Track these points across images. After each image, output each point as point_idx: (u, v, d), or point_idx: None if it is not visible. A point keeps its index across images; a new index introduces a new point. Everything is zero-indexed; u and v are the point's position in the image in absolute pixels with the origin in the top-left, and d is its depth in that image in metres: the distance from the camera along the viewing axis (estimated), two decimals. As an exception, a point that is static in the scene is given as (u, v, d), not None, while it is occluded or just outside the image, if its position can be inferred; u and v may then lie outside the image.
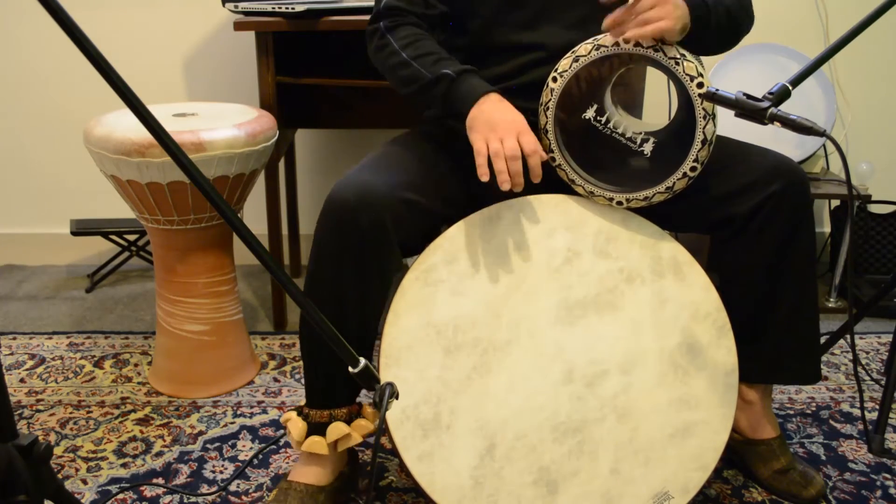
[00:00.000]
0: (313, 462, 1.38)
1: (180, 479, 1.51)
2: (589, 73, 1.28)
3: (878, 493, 1.50)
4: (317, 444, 1.34)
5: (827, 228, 2.52)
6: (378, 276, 1.27)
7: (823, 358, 2.00)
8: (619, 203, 1.31)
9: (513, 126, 1.24)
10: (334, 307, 1.26)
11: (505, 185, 1.21)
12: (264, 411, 1.74)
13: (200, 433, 1.65)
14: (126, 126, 1.58)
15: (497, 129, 1.24)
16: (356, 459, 1.49)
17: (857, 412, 1.77)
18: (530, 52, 1.38)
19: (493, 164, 1.22)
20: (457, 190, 1.36)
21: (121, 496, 1.46)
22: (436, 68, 1.31)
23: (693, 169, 1.26)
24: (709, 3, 1.25)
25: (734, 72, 2.22)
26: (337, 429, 1.33)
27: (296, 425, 1.35)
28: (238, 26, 1.88)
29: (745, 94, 1.15)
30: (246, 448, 1.61)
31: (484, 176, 1.22)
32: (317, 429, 1.35)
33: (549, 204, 1.33)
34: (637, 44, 1.23)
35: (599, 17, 1.29)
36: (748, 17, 1.35)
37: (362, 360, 0.94)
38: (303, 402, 1.40)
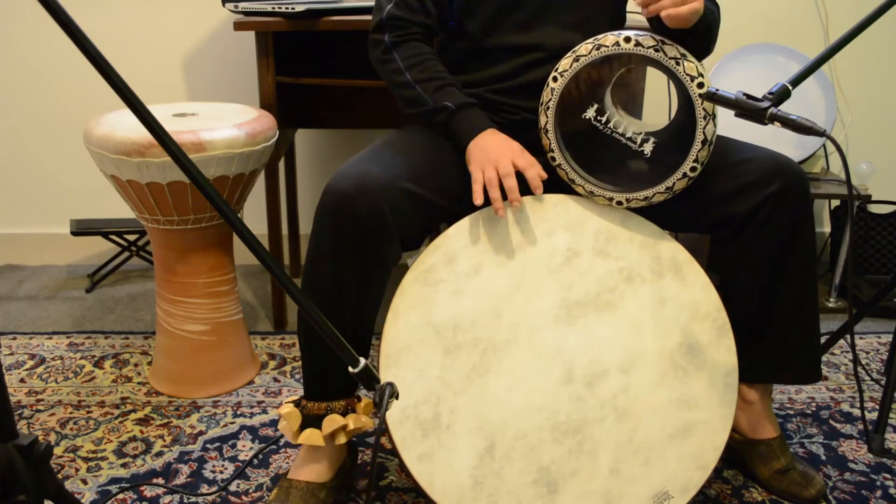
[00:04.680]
0: (312, 459, 1.38)
1: (180, 479, 1.51)
2: (589, 73, 1.28)
3: (878, 493, 1.50)
4: (313, 435, 1.34)
5: (827, 228, 2.52)
6: (377, 266, 1.26)
7: (823, 358, 2.00)
8: (619, 203, 1.31)
9: (507, 151, 1.30)
10: (332, 297, 1.25)
11: (500, 213, 1.27)
12: (264, 411, 1.74)
13: (200, 433, 1.65)
14: (126, 126, 1.58)
15: (491, 155, 1.30)
16: (355, 454, 1.49)
17: (857, 412, 1.77)
18: (529, 53, 1.39)
19: (488, 192, 1.28)
20: (457, 183, 1.36)
21: (121, 496, 1.46)
22: (438, 97, 1.36)
23: (693, 169, 1.26)
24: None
25: (734, 72, 2.22)
26: (333, 421, 1.33)
27: (291, 415, 1.35)
28: (238, 26, 1.88)
29: (745, 94, 1.15)
30: (246, 448, 1.61)
31: (477, 199, 1.28)
32: (313, 421, 1.35)
33: (549, 204, 1.33)
34: (638, 44, 1.23)
35: (597, 18, 1.29)
36: (713, 39, 1.37)
37: (362, 360, 0.94)
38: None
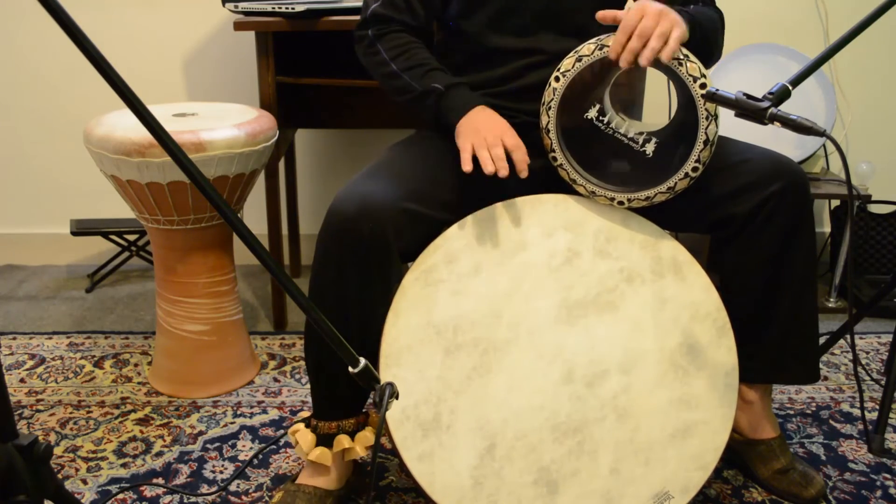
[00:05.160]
0: (322, 467, 1.38)
1: (180, 479, 1.51)
2: (591, 74, 1.28)
3: (878, 493, 1.50)
4: (323, 455, 1.35)
5: (827, 228, 2.52)
6: (380, 285, 1.27)
7: (823, 358, 2.00)
8: (621, 203, 1.31)
9: (496, 129, 1.30)
10: (337, 316, 1.26)
11: (489, 168, 1.24)
12: (264, 411, 1.74)
13: (200, 433, 1.65)
14: (126, 126, 1.58)
15: (480, 131, 1.30)
16: (362, 468, 1.50)
17: (857, 412, 1.77)
18: (529, 56, 1.39)
19: (477, 157, 1.26)
20: (458, 195, 1.35)
21: (121, 496, 1.45)
22: (425, 81, 1.36)
23: (695, 169, 1.26)
24: (693, 17, 1.27)
25: (734, 72, 2.22)
26: (343, 440, 1.35)
27: (304, 437, 1.36)
28: (238, 26, 1.88)
29: (745, 94, 1.15)
30: (246, 448, 1.61)
31: (466, 164, 1.26)
32: (324, 440, 1.36)
33: (549, 204, 1.33)
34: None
35: (596, 25, 1.29)
36: (717, 47, 1.39)
37: (362, 360, 0.94)
38: (307, 412, 1.41)
